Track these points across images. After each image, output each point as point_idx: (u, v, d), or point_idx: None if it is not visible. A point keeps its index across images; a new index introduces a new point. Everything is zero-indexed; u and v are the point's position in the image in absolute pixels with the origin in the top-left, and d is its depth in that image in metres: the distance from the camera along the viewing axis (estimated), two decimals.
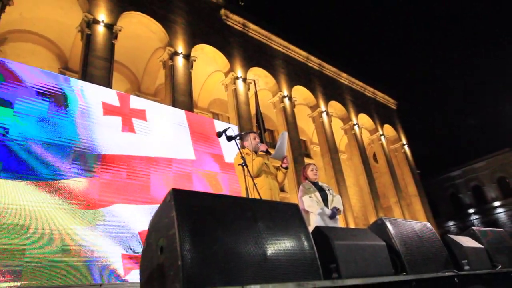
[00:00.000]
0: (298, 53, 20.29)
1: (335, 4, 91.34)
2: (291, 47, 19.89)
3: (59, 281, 3.99)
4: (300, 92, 19.40)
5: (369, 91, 24.96)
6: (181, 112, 6.91)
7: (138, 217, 5.04)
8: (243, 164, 3.63)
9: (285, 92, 18.11)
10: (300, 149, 17.41)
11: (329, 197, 4.41)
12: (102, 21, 12.02)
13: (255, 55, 17.66)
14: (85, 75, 10.82)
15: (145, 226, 4.47)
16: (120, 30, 12.45)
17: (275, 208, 2.10)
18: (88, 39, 11.60)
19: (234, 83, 15.81)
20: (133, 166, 5.44)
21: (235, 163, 4.01)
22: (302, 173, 4.74)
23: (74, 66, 14.14)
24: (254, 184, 3.61)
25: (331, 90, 21.36)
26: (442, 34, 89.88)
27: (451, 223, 36.44)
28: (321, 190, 4.46)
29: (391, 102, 26.87)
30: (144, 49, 15.25)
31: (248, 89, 16.06)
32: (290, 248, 1.88)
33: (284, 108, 17.66)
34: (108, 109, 5.64)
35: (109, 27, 12.15)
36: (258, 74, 17.42)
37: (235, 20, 17.26)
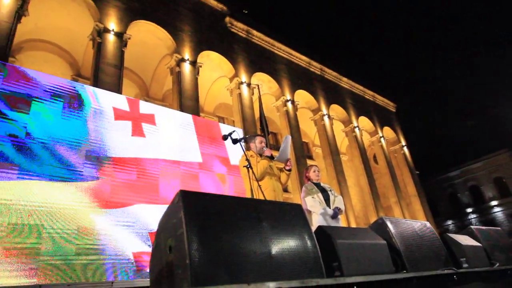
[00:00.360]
0: (300, 59, 20.29)
1: (335, 11, 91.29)
2: (293, 52, 19.90)
3: (74, 278, 4.01)
4: (302, 96, 19.39)
5: (369, 94, 24.91)
6: (188, 116, 6.93)
7: (147, 217, 5.06)
8: (248, 166, 3.63)
9: (288, 96, 18.11)
10: (302, 151, 17.38)
11: (331, 198, 4.41)
12: (112, 30, 12.11)
13: (258, 60, 17.68)
14: (97, 82, 10.90)
15: (154, 226, 4.48)
16: (129, 38, 12.52)
17: (279, 208, 2.11)
18: (99, 47, 11.69)
19: (239, 88, 15.84)
20: (143, 168, 5.47)
21: (240, 165, 4.02)
22: (305, 174, 4.74)
23: (86, 73, 14.23)
24: (259, 185, 3.62)
25: (332, 94, 21.34)
26: (440, 36, 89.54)
27: (449, 222, 36.26)
28: (323, 190, 4.46)
29: (390, 105, 26.78)
30: (152, 56, 15.32)
31: (252, 93, 16.08)
32: (294, 247, 1.88)
33: (287, 112, 17.65)
34: (119, 114, 5.68)
35: (119, 35, 12.24)
36: (261, 79, 17.44)
37: (239, 28, 17.31)
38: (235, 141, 3.80)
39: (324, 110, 19.83)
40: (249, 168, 3.63)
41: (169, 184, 5.63)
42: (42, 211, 4.19)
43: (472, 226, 4.26)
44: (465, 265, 3.21)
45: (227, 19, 16.81)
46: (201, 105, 16.24)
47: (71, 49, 14.55)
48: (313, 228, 2.23)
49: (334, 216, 4.23)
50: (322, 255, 1.96)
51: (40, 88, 4.99)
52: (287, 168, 4.16)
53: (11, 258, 3.75)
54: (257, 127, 14.79)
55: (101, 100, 5.60)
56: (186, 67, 13.94)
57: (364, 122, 22.93)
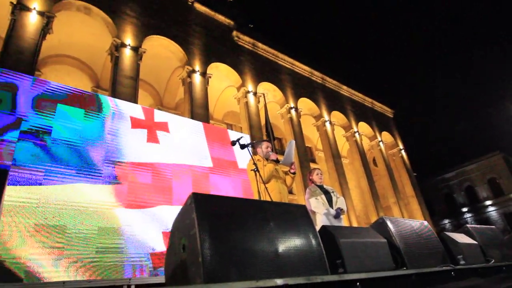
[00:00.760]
0: (303, 69, 20.32)
1: (335, 24, 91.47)
2: (296, 63, 19.93)
3: (94, 276, 4.03)
4: (305, 104, 19.38)
5: (368, 101, 24.80)
6: (199, 124, 6.96)
7: (162, 218, 5.07)
8: (255, 170, 3.63)
9: (292, 104, 18.12)
10: (306, 155, 17.33)
11: (334, 199, 4.38)
12: (129, 45, 12.25)
13: (264, 71, 17.74)
14: (115, 93, 11.03)
15: (169, 226, 4.49)
16: (144, 52, 12.65)
17: (285, 209, 2.10)
18: (116, 61, 11.83)
19: (246, 97, 15.89)
20: (157, 172, 5.50)
21: (248, 169, 4.02)
22: (308, 177, 4.72)
23: (104, 85, 14.39)
24: (266, 187, 3.62)
25: (333, 101, 21.29)
26: (435, 47, 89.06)
27: (446, 221, 35.80)
28: (326, 192, 4.44)
29: (388, 111, 26.63)
30: (165, 68, 15.45)
31: (258, 101, 16.11)
32: (299, 246, 1.87)
33: (291, 119, 17.64)
34: (136, 123, 5.73)
35: (135, 49, 12.38)
36: (267, 88, 17.48)
37: (245, 41, 17.40)
38: (243, 146, 3.81)
39: (325, 116, 19.79)
40: (257, 172, 3.64)
41: (182, 187, 5.64)
42: (65, 212, 4.23)
43: (468, 225, 4.21)
44: (462, 262, 3.17)
45: (234, 33, 16.92)
46: (211, 113, 16.31)
47: (91, 62, 14.75)
48: (317, 228, 2.22)
49: (337, 216, 4.21)
50: (326, 253, 1.95)
51: (64, 95, 5.08)
52: (292, 171, 4.16)
53: (38, 256, 3.78)
54: (263, 133, 14.79)
55: (119, 109, 5.66)
56: (197, 78, 14.03)
57: (363, 127, 22.83)
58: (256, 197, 3.67)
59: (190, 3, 15.50)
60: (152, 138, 5.78)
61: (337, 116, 21.18)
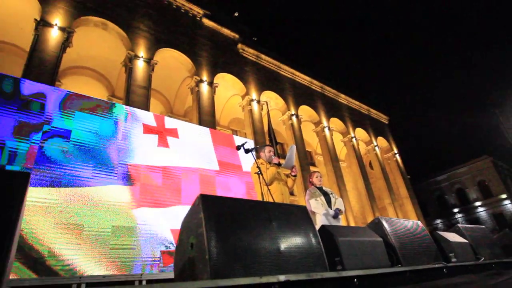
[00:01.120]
0: (303, 78, 20.35)
1: (334, 37, 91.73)
2: (297, 73, 19.97)
3: (108, 272, 4.02)
4: (305, 111, 19.38)
5: (364, 108, 24.74)
6: (206, 130, 6.97)
7: (171, 217, 5.06)
8: (259, 173, 3.63)
9: (293, 111, 18.12)
10: (306, 159, 17.28)
11: (332, 200, 4.36)
12: (142, 57, 12.36)
13: (267, 80, 17.79)
14: (128, 101, 11.11)
15: (178, 225, 4.48)
16: (156, 64, 12.75)
17: (286, 210, 2.09)
18: (130, 72, 11.94)
19: (250, 105, 15.92)
20: (167, 174, 5.50)
21: (251, 172, 4.01)
22: (309, 179, 4.71)
23: (119, 94, 14.50)
24: (268, 189, 3.61)
25: (331, 109, 21.27)
26: (427, 56, 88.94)
27: (438, 221, 35.49)
28: (325, 194, 4.42)
29: (383, 118, 26.53)
30: (175, 78, 15.55)
31: (262, 109, 16.14)
32: (300, 244, 1.86)
33: (292, 125, 17.64)
34: (147, 129, 5.76)
35: (147, 61, 12.48)
36: (269, 96, 17.50)
37: (249, 53, 17.49)
38: (247, 151, 3.81)
39: (324, 122, 19.76)
40: (260, 175, 3.63)
41: (190, 188, 5.64)
42: (82, 212, 4.24)
43: (459, 225, 4.17)
44: (453, 260, 3.13)
45: (239, 45, 17.02)
46: (217, 119, 16.36)
47: (107, 73, 14.90)
48: (317, 227, 2.21)
49: (335, 216, 4.18)
50: (326, 251, 1.94)
51: (82, 103, 5.12)
52: (293, 174, 4.15)
53: (57, 252, 3.79)
54: (266, 139, 14.80)
55: (132, 118, 5.70)
56: (204, 87, 14.10)
57: (360, 133, 22.76)
58: (259, 198, 3.67)
59: (199, 19, 15.64)
60: (162, 143, 5.80)
61: (336, 122, 21.15)
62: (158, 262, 4.54)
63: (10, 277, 3.28)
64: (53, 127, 4.65)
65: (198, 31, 15.34)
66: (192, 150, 6.15)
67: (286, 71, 19.36)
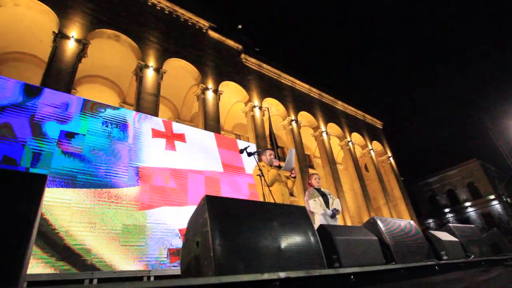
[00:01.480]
0: (302, 86, 20.36)
1: (331, 46, 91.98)
2: (296, 81, 20.00)
3: (118, 267, 4.02)
4: (304, 117, 19.37)
5: (360, 114, 24.69)
6: (211, 134, 6.99)
7: (178, 217, 5.06)
8: (261, 175, 3.62)
9: (293, 116, 18.12)
10: (305, 162, 17.24)
11: (330, 201, 4.34)
12: (151, 66, 12.43)
13: (268, 88, 17.82)
14: (139, 107, 11.15)
15: (184, 224, 4.47)
16: (164, 72, 12.81)
17: (286, 210, 2.09)
18: (140, 80, 12.00)
19: (252, 111, 15.94)
20: (175, 176, 5.51)
21: (254, 174, 4.01)
22: (307, 181, 4.69)
23: (130, 101, 14.57)
24: (269, 190, 3.60)
25: (329, 115, 21.25)
26: (421, 65, 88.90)
27: (430, 220, 35.22)
28: (323, 195, 4.40)
29: (377, 123, 26.45)
30: (182, 86, 15.60)
31: (263, 115, 16.14)
32: (299, 242, 1.85)
33: (292, 130, 17.62)
34: (156, 133, 5.77)
35: (157, 70, 12.55)
36: (270, 103, 17.52)
37: (252, 62, 17.55)
38: (249, 154, 3.81)
39: (322, 127, 19.74)
40: (262, 176, 3.63)
41: (196, 189, 5.64)
42: (94, 211, 4.25)
43: (450, 224, 4.14)
44: (445, 257, 3.10)
45: (242, 55, 17.09)
46: (222, 124, 16.36)
47: (118, 81, 14.98)
48: (315, 227, 2.19)
49: (333, 216, 4.16)
50: (324, 249, 1.92)
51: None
52: (293, 175, 4.14)
53: (71, 248, 3.79)
54: (267, 142, 14.79)
55: (141, 123, 5.72)
56: (210, 95, 14.14)
57: (356, 137, 22.69)
58: (261, 199, 3.65)
59: (205, 31, 15.74)
60: (170, 146, 5.81)
61: (333, 127, 21.11)
62: (166, 259, 4.52)
63: (34, 272, 3.28)
64: (68, 130, 4.67)
65: (204, 42, 15.43)
66: (198, 153, 6.16)
67: (286, 79, 19.39)
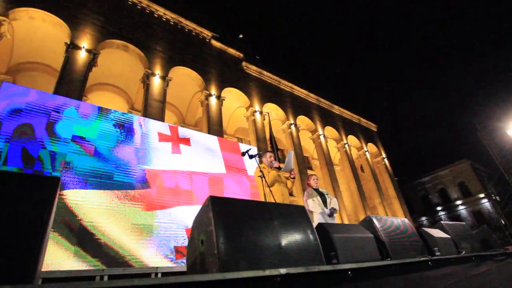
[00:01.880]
0: (301, 91, 20.39)
1: (328, 54, 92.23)
2: (295, 87, 20.03)
3: (127, 265, 4.01)
4: (303, 120, 19.37)
5: (355, 118, 24.68)
6: (215, 138, 6.99)
7: (184, 217, 5.05)
8: (262, 176, 3.62)
9: (292, 120, 18.12)
10: (304, 163, 17.21)
11: (328, 200, 4.33)
12: (158, 74, 12.49)
13: (268, 94, 17.85)
14: (146, 113, 11.19)
15: (190, 224, 4.47)
16: (170, 80, 12.86)
17: (286, 209, 2.08)
18: (147, 87, 12.05)
19: (253, 115, 15.95)
20: (180, 178, 5.50)
21: (255, 175, 4.01)
22: (306, 182, 4.69)
23: (138, 107, 14.62)
24: (270, 191, 3.59)
25: (326, 118, 21.24)
26: (413, 70, 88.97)
27: (423, 218, 35.04)
28: (321, 194, 4.39)
29: (372, 126, 26.43)
30: (187, 92, 15.65)
31: (264, 119, 16.16)
32: (299, 240, 1.84)
33: (291, 133, 17.62)
34: (162, 137, 5.78)
35: (163, 78, 12.60)
36: (271, 108, 17.55)
37: (253, 69, 17.60)
38: (251, 157, 3.82)
39: (320, 131, 19.73)
40: (263, 177, 3.62)
41: (200, 190, 5.63)
42: (104, 212, 4.25)
43: (442, 222, 4.12)
44: (437, 253, 3.09)
45: (244, 63, 17.15)
46: (224, 128, 16.41)
47: (127, 89, 15.04)
48: (314, 225, 2.19)
49: (331, 215, 4.15)
50: (322, 247, 1.92)
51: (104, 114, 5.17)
52: (292, 176, 4.13)
53: (83, 246, 3.79)
54: (268, 145, 14.79)
55: (148, 127, 5.74)
56: (213, 100, 14.18)
57: (352, 139, 22.67)
58: (262, 199, 3.65)
59: (208, 40, 15.82)
60: (175, 150, 5.81)
61: (330, 130, 21.10)
62: (172, 257, 4.51)
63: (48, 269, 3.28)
64: (79, 135, 4.69)
65: (207, 51, 15.50)
66: (202, 156, 6.16)
67: (286, 85, 19.43)
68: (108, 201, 4.37)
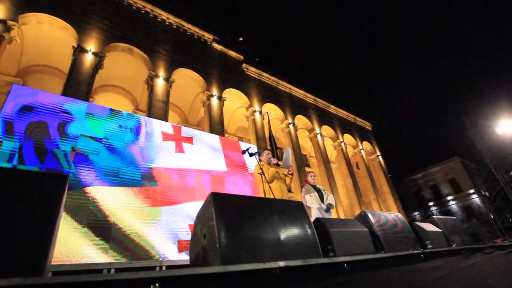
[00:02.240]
0: (298, 92, 20.36)
1: (325, 56, 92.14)
2: (293, 88, 20.00)
3: (134, 258, 4.02)
4: (301, 120, 19.36)
5: (351, 117, 24.66)
6: (216, 137, 7.00)
7: (187, 212, 5.06)
8: (261, 173, 3.62)
9: (290, 120, 18.11)
10: (302, 161, 17.21)
11: (325, 196, 4.34)
12: (161, 76, 12.46)
13: (267, 94, 17.83)
14: (150, 113, 11.17)
15: (193, 219, 4.47)
16: (173, 81, 12.84)
17: (285, 205, 2.09)
18: (151, 89, 12.03)
19: (253, 115, 15.94)
20: (183, 175, 5.51)
21: (255, 172, 4.01)
22: (304, 178, 4.70)
23: (142, 107, 14.60)
24: (269, 187, 3.60)
25: (323, 118, 21.23)
26: (407, 72, 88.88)
27: (416, 213, 35.11)
28: (319, 191, 4.40)
29: (367, 125, 26.41)
30: (189, 93, 15.63)
31: (263, 119, 16.15)
32: (297, 234, 1.85)
33: (289, 132, 17.61)
34: (166, 136, 5.78)
35: (166, 79, 12.58)
36: (270, 108, 17.53)
37: (252, 71, 17.57)
38: (251, 155, 3.82)
39: (317, 130, 19.72)
40: (262, 174, 3.63)
41: (203, 187, 5.64)
42: (111, 208, 4.25)
43: (434, 216, 4.12)
44: (429, 246, 3.09)
45: (244, 65, 17.12)
46: (225, 128, 16.39)
47: (132, 90, 15.02)
48: (312, 220, 2.19)
49: (327, 210, 4.16)
50: (319, 241, 1.92)
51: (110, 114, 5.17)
52: (290, 173, 4.14)
53: (92, 240, 3.80)
54: (267, 144, 14.79)
55: (152, 127, 5.73)
56: (214, 101, 14.16)
57: (348, 138, 22.66)
58: (262, 195, 3.66)
59: (209, 43, 15.78)
60: (179, 148, 5.82)
61: (327, 129, 21.10)
62: (176, 250, 4.52)
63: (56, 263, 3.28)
64: (86, 136, 4.68)
65: (208, 53, 15.47)
66: (204, 154, 6.16)
67: (284, 86, 19.40)
68: (114, 198, 4.37)
